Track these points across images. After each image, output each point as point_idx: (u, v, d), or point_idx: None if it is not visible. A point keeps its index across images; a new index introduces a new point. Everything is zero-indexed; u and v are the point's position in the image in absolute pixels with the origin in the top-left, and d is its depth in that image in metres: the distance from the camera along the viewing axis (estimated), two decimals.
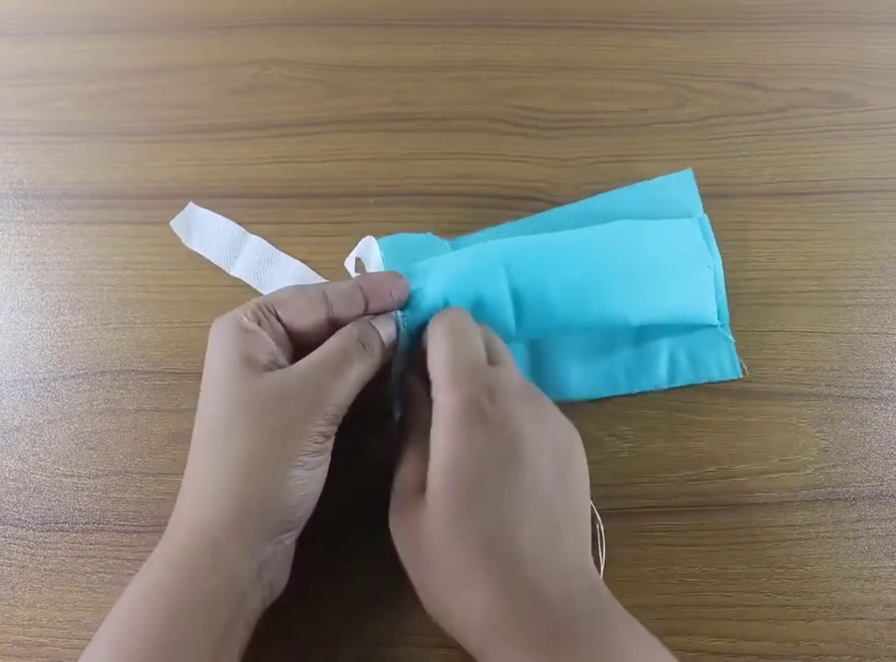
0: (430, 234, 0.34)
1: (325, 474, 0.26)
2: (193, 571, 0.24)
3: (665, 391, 0.34)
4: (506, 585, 0.23)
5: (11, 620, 0.30)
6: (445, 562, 0.24)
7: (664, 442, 0.33)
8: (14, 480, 0.33)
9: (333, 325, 0.28)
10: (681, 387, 0.34)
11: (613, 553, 0.31)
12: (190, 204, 0.37)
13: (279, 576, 0.27)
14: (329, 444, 0.26)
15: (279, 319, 0.28)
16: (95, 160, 0.39)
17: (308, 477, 0.25)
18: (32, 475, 0.33)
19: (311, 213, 0.38)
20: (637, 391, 0.34)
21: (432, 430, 0.25)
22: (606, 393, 0.34)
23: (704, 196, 0.37)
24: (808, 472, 0.33)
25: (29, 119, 0.41)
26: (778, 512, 0.32)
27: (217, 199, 0.38)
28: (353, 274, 0.33)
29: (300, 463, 0.25)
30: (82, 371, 0.35)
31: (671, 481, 0.32)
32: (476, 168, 0.39)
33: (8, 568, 0.31)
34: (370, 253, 0.33)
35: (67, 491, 0.32)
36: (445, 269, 0.30)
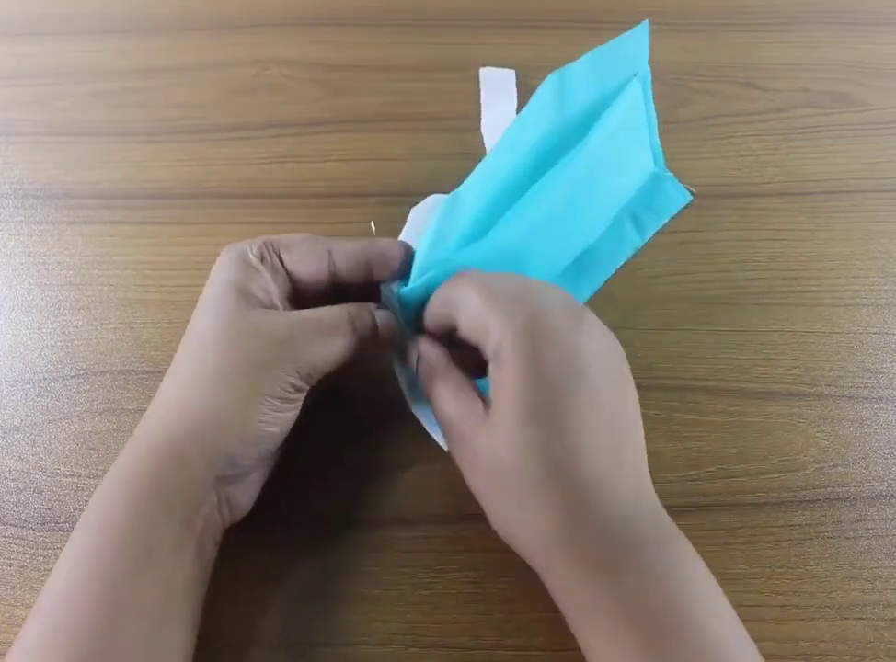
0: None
1: (291, 423, 0.27)
2: (159, 466, 0.25)
3: (665, 390, 0.34)
4: (574, 503, 0.23)
5: (11, 620, 0.30)
6: (516, 483, 0.24)
7: (664, 442, 0.33)
8: (14, 480, 0.33)
9: (334, 282, 0.29)
10: (679, 387, 0.34)
11: None
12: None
13: (239, 496, 0.28)
14: (300, 397, 0.27)
15: (282, 261, 0.29)
16: (95, 160, 0.39)
17: (273, 418, 0.26)
18: (32, 475, 0.33)
19: (311, 213, 0.38)
20: (620, 264, 0.36)
21: (491, 366, 0.25)
22: (596, 286, 0.36)
23: (704, 196, 0.37)
24: (808, 472, 0.33)
25: (29, 119, 0.41)
26: (778, 512, 0.32)
27: (217, 199, 0.38)
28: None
29: (266, 403, 0.26)
30: (82, 371, 0.35)
31: (670, 481, 0.32)
32: None
33: (8, 568, 0.31)
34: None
35: (67, 491, 0.32)
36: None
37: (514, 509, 0.25)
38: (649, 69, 0.36)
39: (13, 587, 0.31)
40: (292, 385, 0.26)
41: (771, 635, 0.30)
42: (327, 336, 0.27)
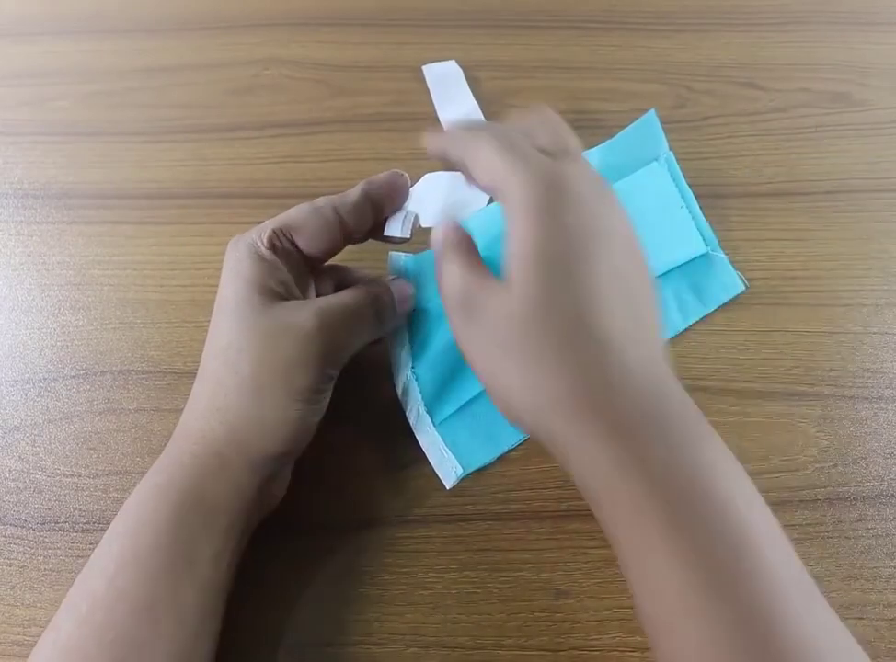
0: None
1: (322, 413, 0.28)
2: (202, 475, 0.25)
3: None
4: (593, 359, 0.23)
5: (11, 620, 0.30)
6: (531, 340, 0.23)
7: None
8: (14, 480, 0.33)
9: (347, 240, 0.29)
10: None
11: (613, 553, 0.31)
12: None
13: (277, 490, 0.29)
14: (331, 386, 0.28)
15: (294, 244, 0.28)
16: (95, 160, 0.39)
17: (312, 411, 0.27)
18: (32, 475, 0.33)
19: None
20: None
21: (507, 223, 0.24)
22: None
23: (704, 196, 0.37)
24: (808, 472, 0.33)
25: (29, 119, 0.41)
26: (778, 512, 0.31)
27: (217, 199, 0.38)
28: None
29: (303, 397, 0.26)
30: (82, 371, 0.35)
31: None
32: None
33: (8, 568, 0.31)
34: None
35: (67, 491, 0.32)
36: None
37: (526, 372, 0.23)
38: (672, 154, 0.38)
39: (13, 588, 0.31)
40: (327, 375, 0.27)
41: None
42: (354, 323, 0.27)
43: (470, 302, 0.25)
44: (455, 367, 0.33)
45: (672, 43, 0.42)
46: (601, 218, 0.24)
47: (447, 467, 0.32)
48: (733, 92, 0.41)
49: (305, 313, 0.26)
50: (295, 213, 0.28)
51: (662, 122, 0.38)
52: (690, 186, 0.37)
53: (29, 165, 0.39)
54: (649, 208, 0.36)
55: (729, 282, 0.36)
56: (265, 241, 0.27)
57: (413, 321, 0.33)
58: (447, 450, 0.32)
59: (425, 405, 0.32)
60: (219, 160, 0.39)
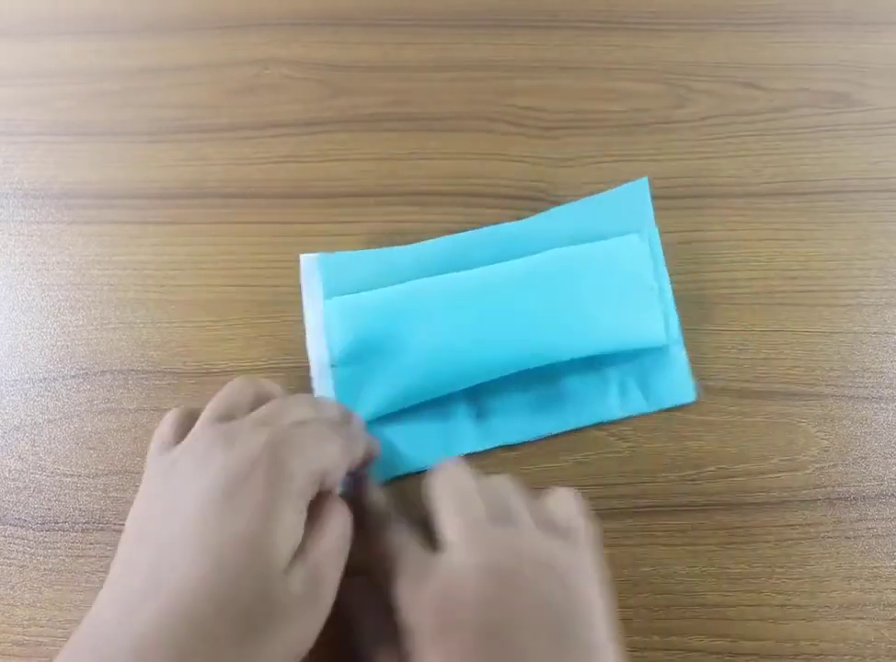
0: (366, 251, 0.35)
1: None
2: None
3: None
4: None
5: (11, 619, 0.30)
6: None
7: (664, 442, 0.33)
8: (14, 480, 0.33)
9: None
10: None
11: (613, 553, 0.31)
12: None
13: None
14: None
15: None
16: (95, 160, 0.39)
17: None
18: (32, 475, 0.33)
19: (311, 213, 0.38)
20: (586, 425, 0.33)
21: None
22: (555, 430, 0.33)
23: (704, 196, 0.37)
24: (808, 472, 0.33)
25: (30, 119, 0.41)
26: (778, 512, 0.32)
27: (217, 199, 0.38)
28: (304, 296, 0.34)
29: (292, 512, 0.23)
30: (82, 371, 0.35)
31: (671, 481, 0.32)
32: (477, 168, 0.39)
33: (8, 568, 0.31)
34: (311, 274, 0.34)
35: (67, 491, 0.32)
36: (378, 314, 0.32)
37: None
38: (656, 231, 0.35)
39: (13, 587, 0.31)
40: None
41: (771, 635, 0.30)
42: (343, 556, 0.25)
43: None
44: (377, 372, 0.32)
45: (672, 43, 0.42)
46: (549, 606, 0.23)
47: None
48: (733, 92, 0.41)
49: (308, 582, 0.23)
50: (333, 457, 0.26)
51: (662, 122, 0.38)
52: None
53: (30, 165, 0.39)
54: (617, 280, 0.33)
55: (680, 387, 0.33)
56: (307, 495, 0.24)
57: (334, 315, 0.33)
58: None
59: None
60: (219, 160, 0.39)
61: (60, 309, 0.36)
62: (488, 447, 0.33)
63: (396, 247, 0.35)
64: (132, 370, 0.35)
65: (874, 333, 0.35)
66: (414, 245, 0.35)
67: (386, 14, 0.43)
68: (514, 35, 0.43)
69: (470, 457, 0.32)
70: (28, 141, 0.40)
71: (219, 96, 0.41)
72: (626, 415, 0.33)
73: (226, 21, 0.43)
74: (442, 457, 0.29)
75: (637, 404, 0.33)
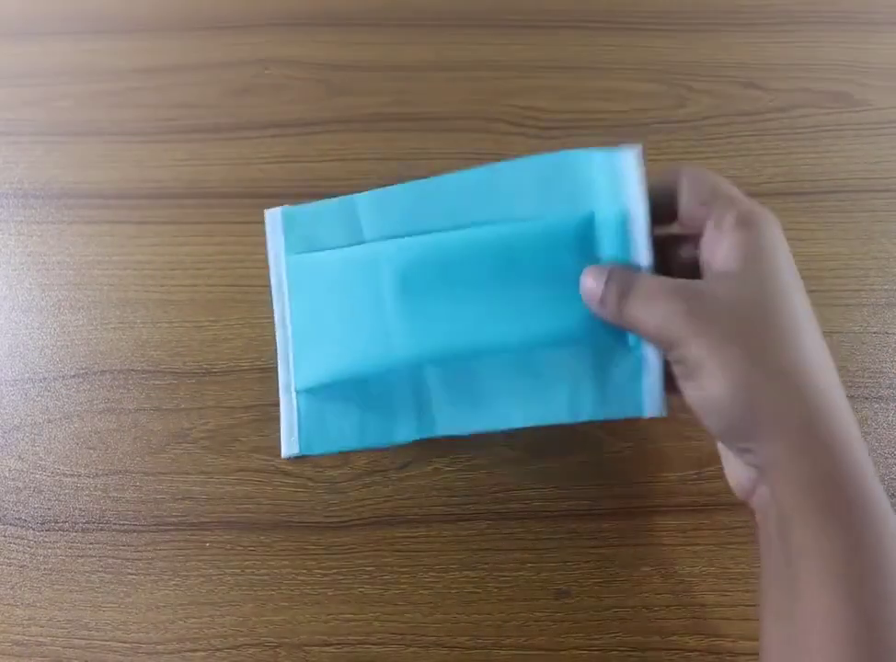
0: (328, 202, 0.31)
1: None
2: None
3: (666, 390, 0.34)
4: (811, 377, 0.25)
5: (11, 619, 0.30)
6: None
7: (666, 441, 0.33)
8: (14, 479, 0.33)
9: None
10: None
11: (613, 553, 0.31)
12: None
13: None
14: None
15: None
16: (95, 160, 0.39)
17: None
18: (32, 475, 0.33)
19: None
20: (532, 425, 0.28)
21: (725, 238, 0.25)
22: (499, 428, 0.28)
23: None
24: None
25: (30, 119, 0.41)
26: None
27: (217, 199, 0.38)
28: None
29: None
30: (82, 371, 0.35)
31: (672, 480, 0.32)
32: None
33: (8, 568, 0.31)
34: (274, 227, 0.30)
35: (67, 491, 0.32)
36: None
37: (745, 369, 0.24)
38: (643, 208, 0.27)
39: (13, 587, 0.31)
40: None
41: None
42: None
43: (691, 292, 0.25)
44: (336, 337, 0.29)
45: (672, 43, 0.42)
46: (796, 277, 0.27)
47: (291, 441, 0.29)
48: (733, 92, 0.41)
49: None
50: None
51: (662, 122, 0.38)
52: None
53: (30, 165, 0.39)
54: (562, 265, 0.27)
55: (646, 399, 0.28)
56: None
57: (297, 274, 0.30)
58: (296, 423, 0.29)
59: (294, 366, 0.29)
60: (219, 160, 0.39)
61: (60, 309, 0.36)
62: (425, 437, 0.29)
63: (357, 195, 0.31)
64: (131, 369, 0.35)
65: (874, 333, 0.35)
66: (377, 190, 0.31)
67: (386, 14, 0.43)
68: (514, 35, 0.43)
69: (469, 455, 0.32)
70: (28, 140, 0.40)
71: (219, 96, 0.41)
72: (578, 420, 0.28)
73: (226, 21, 0.43)
74: (378, 443, 0.28)
75: (590, 409, 0.28)
